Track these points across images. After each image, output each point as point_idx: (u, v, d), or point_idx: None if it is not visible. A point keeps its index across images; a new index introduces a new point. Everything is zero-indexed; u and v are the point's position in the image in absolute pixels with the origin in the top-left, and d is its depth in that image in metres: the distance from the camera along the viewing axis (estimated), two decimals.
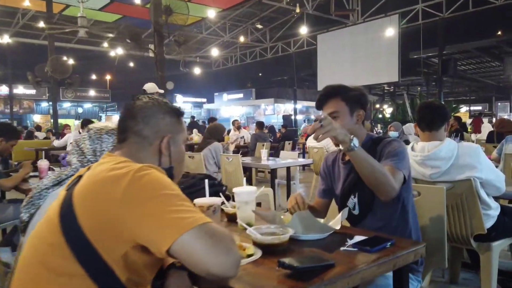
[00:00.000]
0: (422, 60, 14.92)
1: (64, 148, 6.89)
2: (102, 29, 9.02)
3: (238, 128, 8.32)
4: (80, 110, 23.80)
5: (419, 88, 21.66)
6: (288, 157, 4.88)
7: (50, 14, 10.77)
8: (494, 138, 5.58)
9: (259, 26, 14.33)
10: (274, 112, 19.51)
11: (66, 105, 23.61)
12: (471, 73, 18.10)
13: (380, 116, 17.00)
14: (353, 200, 1.70)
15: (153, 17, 6.36)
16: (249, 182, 4.40)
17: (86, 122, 6.43)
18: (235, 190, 1.52)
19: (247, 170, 4.57)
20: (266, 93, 19.30)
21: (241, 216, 1.48)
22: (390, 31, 13.17)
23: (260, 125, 7.64)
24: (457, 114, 18.00)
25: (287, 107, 19.68)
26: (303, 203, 1.60)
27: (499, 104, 23.87)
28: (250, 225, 1.35)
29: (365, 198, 1.64)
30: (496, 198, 2.28)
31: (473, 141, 8.25)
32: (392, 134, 6.47)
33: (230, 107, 21.60)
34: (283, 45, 17.88)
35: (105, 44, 15.84)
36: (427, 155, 2.12)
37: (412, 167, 2.11)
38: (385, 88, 20.71)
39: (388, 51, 13.58)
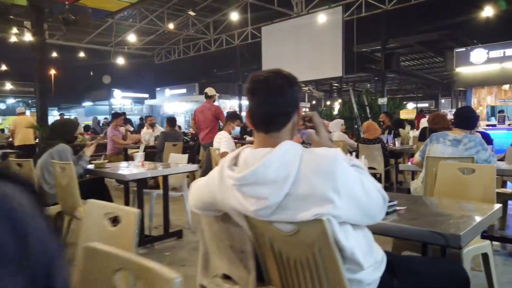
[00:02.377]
0: (367, 55, 14.49)
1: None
2: None
3: (152, 125, 7.22)
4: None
5: (368, 85, 21.45)
6: (178, 161, 3.87)
7: None
8: (426, 136, 4.85)
9: (192, 13, 13.21)
10: None
11: None
12: (416, 69, 17.97)
13: (328, 113, 16.45)
14: None
15: None
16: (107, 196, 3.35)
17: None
18: None
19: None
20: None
21: None
22: (333, 24, 12.63)
23: (171, 122, 6.58)
24: (404, 111, 17.93)
25: (233, 104, 18.71)
26: None
27: (443, 101, 24.24)
28: None
29: None
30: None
31: (409, 138, 7.73)
32: None
33: (173, 103, 20.28)
34: (227, 37, 16.89)
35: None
36: (242, 176, 1.16)
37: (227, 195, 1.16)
38: (334, 84, 20.28)
39: (332, 44, 13.09)
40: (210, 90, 6.50)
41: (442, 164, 2.75)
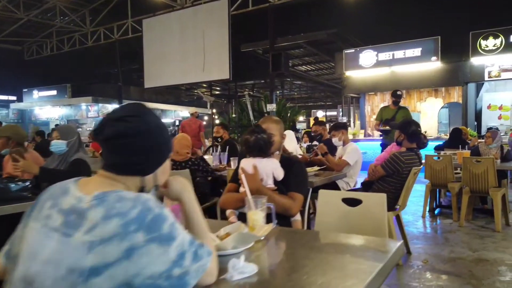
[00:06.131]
0: (260, 56, 13.10)
1: None
2: None
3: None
4: None
5: (264, 91, 20.31)
6: None
7: None
8: None
9: None
10: (98, 113, 15.85)
11: None
12: (316, 75, 17.12)
13: (226, 120, 14.81)
14: None
15: None
16: None
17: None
18: None
19: None
20: (86, 90, 15.57)
21: None
22: (220, 19, 11.08)
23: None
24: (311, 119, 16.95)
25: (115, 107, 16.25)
26: None
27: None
28: None
29: None
30: None
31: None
32: None
33: (46, 108, 17.15)
34: (106, 31, 14.50)
35: None
36: None
37: None
38: (233, 88, 18.80)
39: (219, 43, 11.46)
40: (192, 109, 8.93)
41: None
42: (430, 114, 11.63)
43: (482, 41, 9.15)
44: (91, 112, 16.14)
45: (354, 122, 12.80)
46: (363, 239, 1.44)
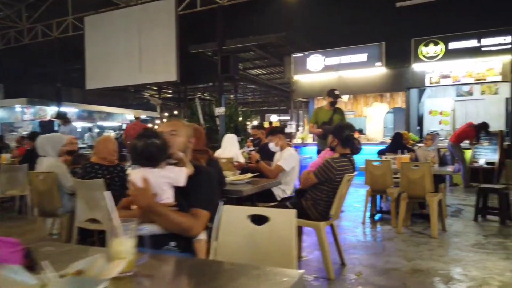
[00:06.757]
0: (210, 59, 12.78)
1: None
2: None
3: None
4: None
5: (217, 94, 19.96)
6: None
7: None
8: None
9: None
10: (35, 116, 14.73)
11: None
12: (268, 79, 17.01)
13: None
14: None
15: None
16: None
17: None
18: None
19: None
20: (21, 91, 14.44)
21: None
22: (167, 18, 10.72)
23: None
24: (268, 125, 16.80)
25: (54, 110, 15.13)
26: None
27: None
28: None
29: None
30: None
31: None
32: None
33: None
34: (44, 28, 13.51)
35: None
36: None
37: None
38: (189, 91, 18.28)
39: (165, 43, 11.07)
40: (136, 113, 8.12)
41: None
42: (376, 119, 11.83)
43: (423, 48, 9.39)
44: (27, 115, 14.96)
45: (303, 127, 12.78)
46: (258, 270, 1.16)
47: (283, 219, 1.55)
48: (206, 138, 4.01)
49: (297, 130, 13.13)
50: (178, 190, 1.79)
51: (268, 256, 1.54)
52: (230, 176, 3.68)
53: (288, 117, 27.16)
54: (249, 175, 3.67)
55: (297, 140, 10.87)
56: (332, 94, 5.60)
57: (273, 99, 25.14)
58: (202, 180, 1.86)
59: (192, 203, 1.79)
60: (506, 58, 8.76)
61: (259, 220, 1.69)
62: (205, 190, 1.85)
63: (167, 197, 1.74)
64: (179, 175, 1.76)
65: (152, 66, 11.35)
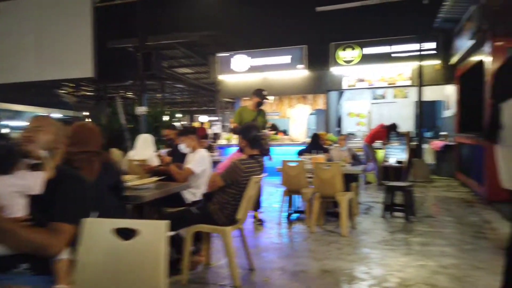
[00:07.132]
0: (129, 54, 12.12)
1: None
2: None
3: None
4: None
5: (137, 94, 19.22)
6: None
7: None
8: None
9: None
10: None
11: None
12: (194, 78, 16.67)
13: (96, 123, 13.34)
14: None
15: None
16: None
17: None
18: None
19: None
20: None
21: None
22: (82, 10, 9.96)
23: None
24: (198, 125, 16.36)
25: None
26: None
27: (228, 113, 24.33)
28: None
29: None
30: None
31: None
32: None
33: None
34: None
35: None
36: None
37: None
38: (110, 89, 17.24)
39: (81, 36, 10.27)
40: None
41: None
42: (299, 120, 12.13)
43: (341, 52, 9.79)
44: None
45: (229, 127, 12.67)
46: None
47: (153, 232, 1.36)
48: (114, 138, 3.66)
49: (223, 130, 13.00)
50: (35, 200, 1.52)
51: (135, 275, 1.34)
52: (134, 181, 3.41)
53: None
54: (154, 179, 3.43)
55: (222, 141, 10.74)
56: (260, 94, 5.33)
57: (202, 99, 24.79)
58: (67, 188, 1.60)
59: (53, 216, 1.53)
60: (414, 64, 9.46)
61: (131, 233, 1.48)
62: (71, 200, 1.59)
63: (18, 209, 1.47)
64: (33, 181, 1.49)
65: (66, 61, 10.50)
